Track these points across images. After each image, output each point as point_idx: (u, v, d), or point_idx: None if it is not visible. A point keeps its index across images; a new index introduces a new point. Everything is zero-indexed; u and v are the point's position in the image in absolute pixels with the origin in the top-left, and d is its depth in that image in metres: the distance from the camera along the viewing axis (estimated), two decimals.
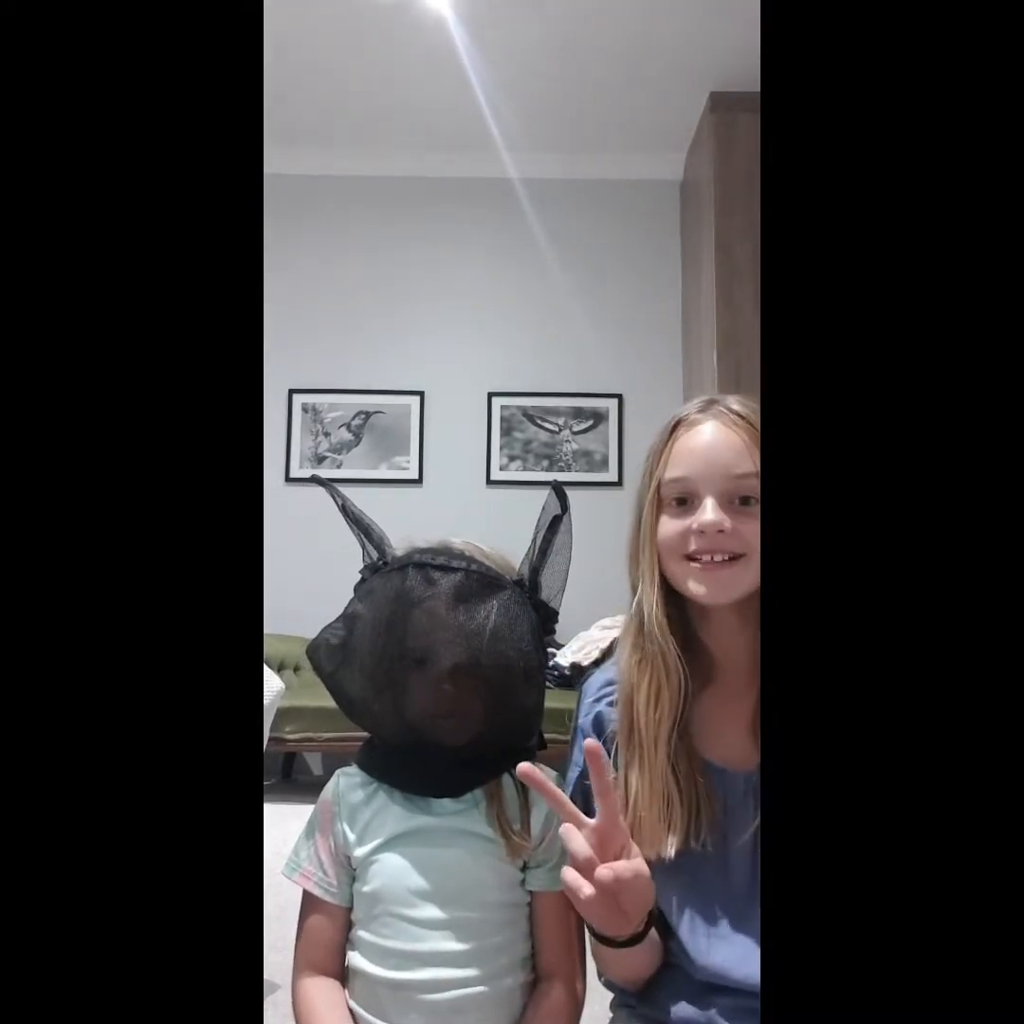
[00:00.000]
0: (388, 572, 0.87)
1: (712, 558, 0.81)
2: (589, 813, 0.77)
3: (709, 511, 0.81)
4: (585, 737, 0.88)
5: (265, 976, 1.51)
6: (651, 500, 0.86)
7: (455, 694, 0.82)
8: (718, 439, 0.83)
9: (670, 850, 0.81)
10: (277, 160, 3.90)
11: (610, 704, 0.90)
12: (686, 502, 0.84)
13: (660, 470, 0.85)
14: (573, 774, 0.91)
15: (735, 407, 0.85)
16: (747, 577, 0.81)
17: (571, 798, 0.85)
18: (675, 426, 0.87)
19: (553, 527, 0.87)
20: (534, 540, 0.87)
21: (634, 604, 0.87)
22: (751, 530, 0.80)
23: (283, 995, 0.90)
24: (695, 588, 0.83)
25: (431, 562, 0.85)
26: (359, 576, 0.91)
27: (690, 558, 0.83)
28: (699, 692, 0.86)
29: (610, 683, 0.91)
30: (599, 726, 0.90)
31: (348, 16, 3.10)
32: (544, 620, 0.88)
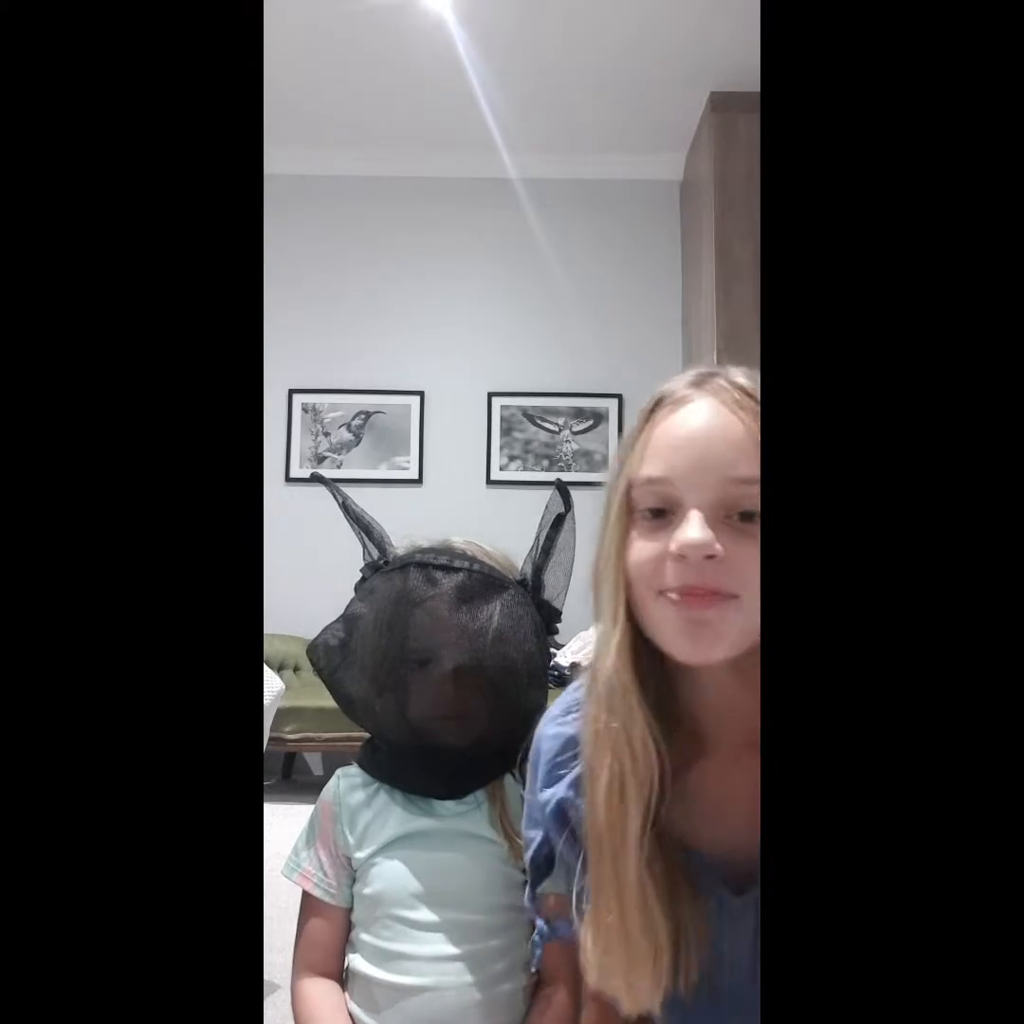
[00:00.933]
0: (389, 571, 0.86)
1: (694, 594, 0.59)
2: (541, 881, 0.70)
3: (693, 527, 0.58)
4: (542, 830, 0.69)
5: (265, 976, 1.51)
6: (619, 507, 0.63)
7: (458, 695, 0.82)
8: (713, 427, 0.61)
9: (654, 1001, 0.61)
10: (277, 160, 3.89)
11: (571, 786, 0.67)
12: (664, 513, 0.61)
13: (631, 466, 0.63)
14: (533, 838, 0.71)
15: (740, 380, 0.63)
16: (740, 626, 0.58)
17: (530, 866, 0.72)
18: (656, 404, 0.65)
19: (557, 526, 0.87)
20: (537, 539, 0.87)
21: (594, 652, 0.65)
22: (751, 559, 0.57)
23: (283, 995, 0.90)
24: (670, 641, 0.60)
25: (433, 562, 0.84)
26: (360, 575, 0.91)
27: (667, 594, 0.60)
28: (684, 770, 0.64)
29: (569, 711, 0.70)
30: (561, 816, 0.68)
31: (348, 16, 3.09)
32: (547, 620, 0.87)
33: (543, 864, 0.72)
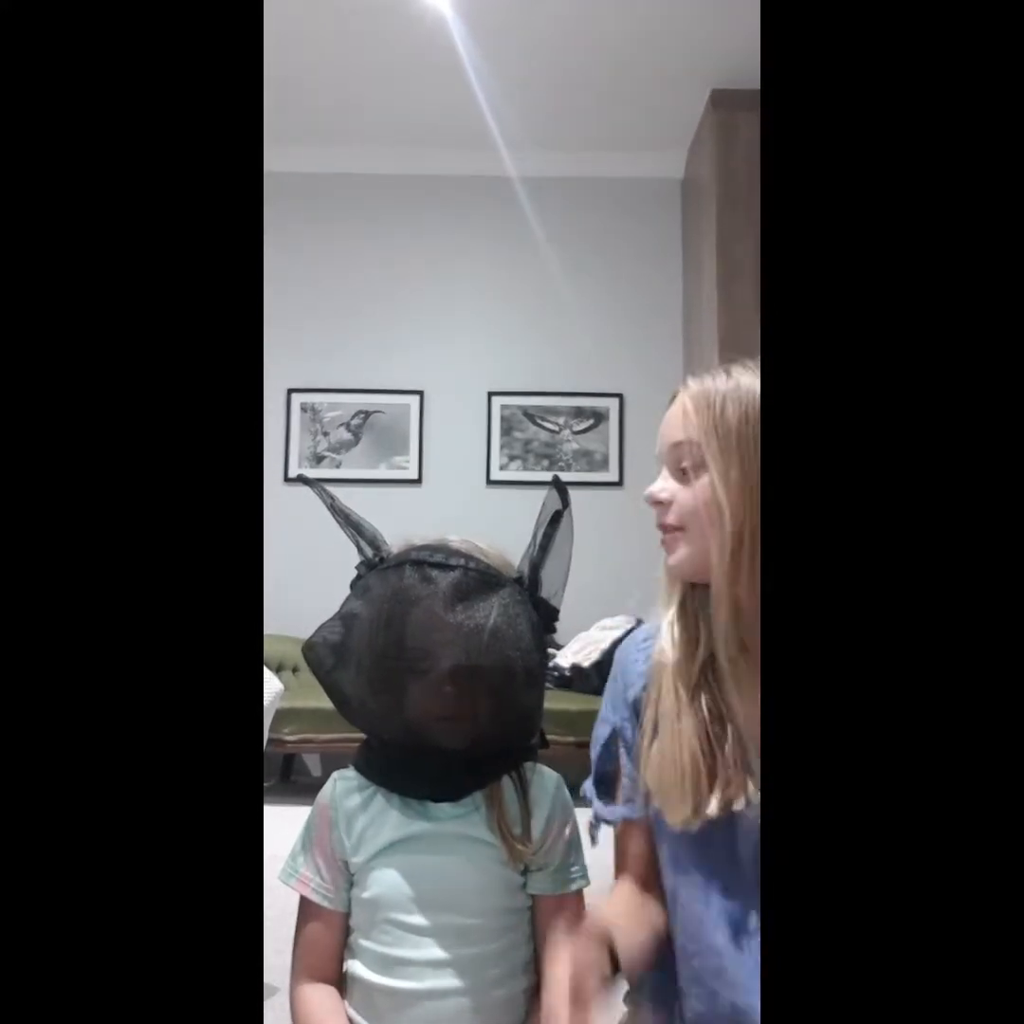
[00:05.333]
0: (385, 570, 0.85)
1: (663, 530, 0.85)
2: (614, 776, 0.86)
3: (655, 483, 0.85)
4: (616, 697, 0.91)
5: (265, 979, 1.51)
6: None
7: (455, 695, 0.81)
8: (669, 414, 0.86)
9: (690, 813, 0.79)
10: (277, 159, 3.89)
11: (644, 688, 0.88)
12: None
13: None
14: (603, 731, 0.91)
15: (691, 383, 0.85)
16: (684, 550, 0.82)
17: (599, 757, 0.90)
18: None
19: (554, 523, 0.85)
20: (534, 536, 0.86)
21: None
22: (686, 502, 0.81)
23: (282, 998, 0.89)
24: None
25: (429, 560, 0.83)
26: (356, 573, 0.90)
27: None
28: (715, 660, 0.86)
29: (648, 637, 0.91)
30: (635, 704, 0.88)
31: (348, 15, 3.09)
32: (545, 618, 0.86)
33: (609, 756, 0.91)
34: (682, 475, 0.82)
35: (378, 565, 0.87)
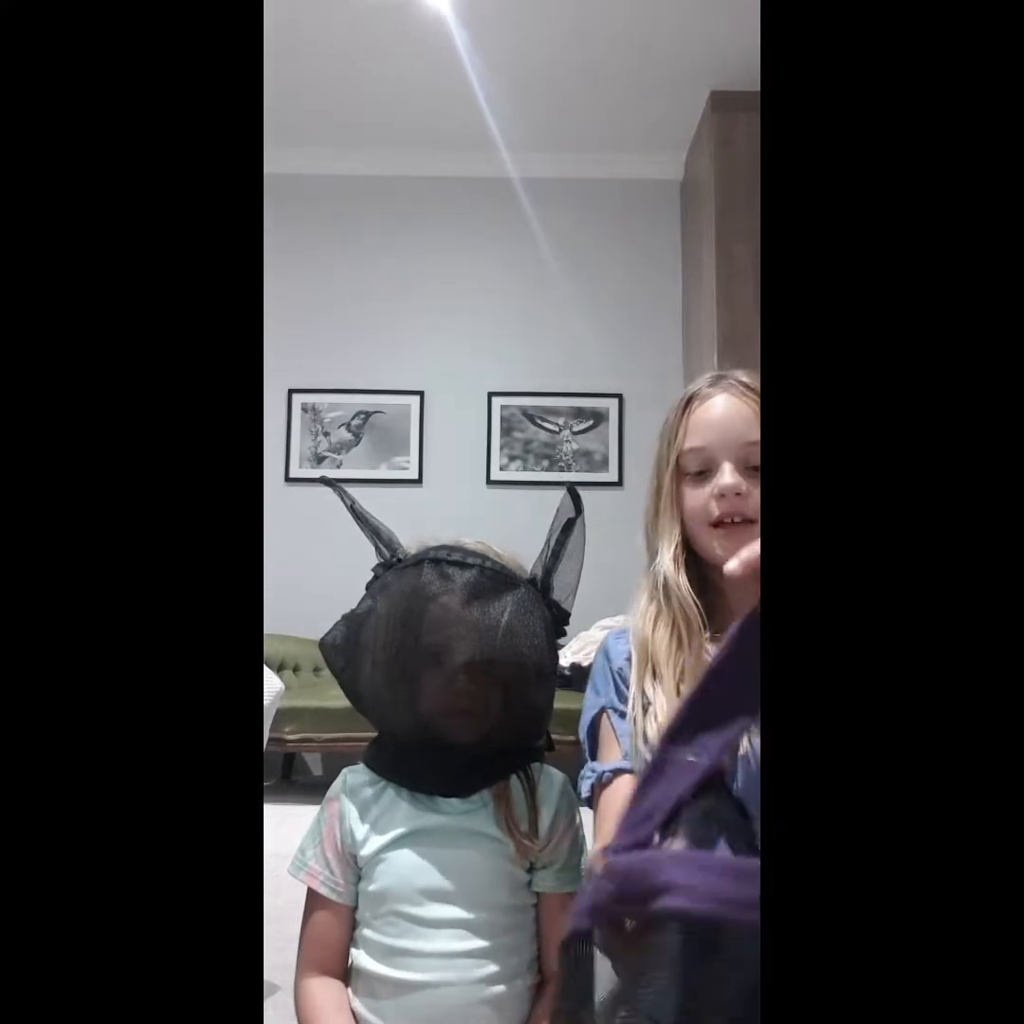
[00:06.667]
0: (403, 568, 0.87)
1: (732, 521, 0.88)
2: (593, 751, 0.91)
3: (727, 475, 0.88)
4: (601, 674, 0.97)
5: (265, 977, 1.51)
6: (671, 470, 0.93)
7: (468, 691, 0.82)
8: (731, 410, 0.91)
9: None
10: (277, 160, 3.90)
11: (627, 660, 0.94)
12: (705, 473, 0.91)
13: (679, 442, 0.93)
14: (586, 718, 0.97)
15: (743, 379, 0.92)
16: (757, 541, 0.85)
17: (589, 735, 0.95)
18: (689, 400, 0.94)
19: (567, 529, 0.87)
20: (548, 541, 0.88)
21: (653, 566, 0.94)
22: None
23: (282, 996, 0.90)
24: (719, 552, 0.89)
25: (446, 558, 0.85)
26: (372, 574, 0.91)
27: (714, 525, 0.89)
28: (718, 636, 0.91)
29: (624, 631, 0.97)
30: (622, 675, 0.94)
31: (348, 16, 3.10)
32: (557, 620, 0.88)
33: (596, 731, 0.97)
34: (756, 470, 0.88)
35: (395, 565, 0.88)
